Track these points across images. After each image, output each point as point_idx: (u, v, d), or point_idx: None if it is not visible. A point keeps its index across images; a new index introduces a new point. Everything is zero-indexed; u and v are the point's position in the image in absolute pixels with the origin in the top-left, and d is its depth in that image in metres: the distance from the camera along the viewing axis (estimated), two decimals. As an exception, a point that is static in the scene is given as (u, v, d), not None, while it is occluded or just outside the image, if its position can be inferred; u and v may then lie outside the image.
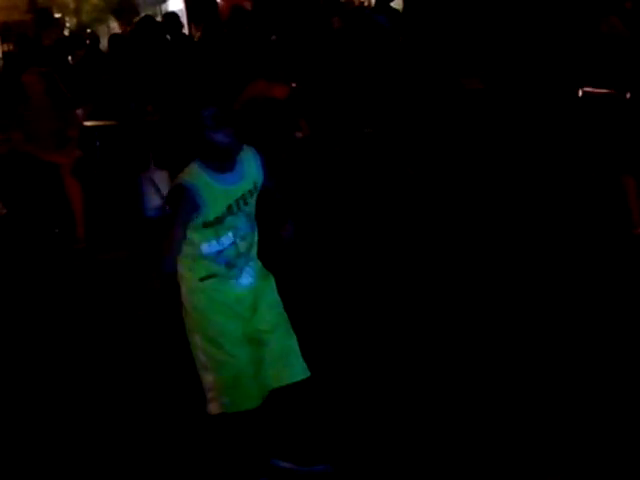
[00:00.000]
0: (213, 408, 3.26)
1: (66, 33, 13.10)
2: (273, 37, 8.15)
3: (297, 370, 3.33)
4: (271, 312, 3.34)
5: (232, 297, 3.24)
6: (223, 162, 3.16)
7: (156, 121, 7.66)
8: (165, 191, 7.47)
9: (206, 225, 3.13)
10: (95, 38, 11.46)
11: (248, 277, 3.26)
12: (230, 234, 3.18)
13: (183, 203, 3.09)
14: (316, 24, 8.10)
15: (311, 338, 3.68)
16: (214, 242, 3.17)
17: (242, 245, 3.23)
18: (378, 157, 7.62)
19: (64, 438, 3.88)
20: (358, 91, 7.68)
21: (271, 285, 3.39)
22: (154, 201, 7.50)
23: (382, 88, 7.73)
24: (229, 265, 3.20)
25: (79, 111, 7.72)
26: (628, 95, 6.05)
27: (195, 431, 3.77)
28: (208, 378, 3.24)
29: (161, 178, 7.51)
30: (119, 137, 7.67)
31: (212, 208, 3.12)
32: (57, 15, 13.93)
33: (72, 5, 16.60)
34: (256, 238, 3.31)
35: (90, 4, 16.55)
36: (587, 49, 6.51)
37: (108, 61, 8.99)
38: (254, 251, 3.32)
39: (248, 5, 9.26)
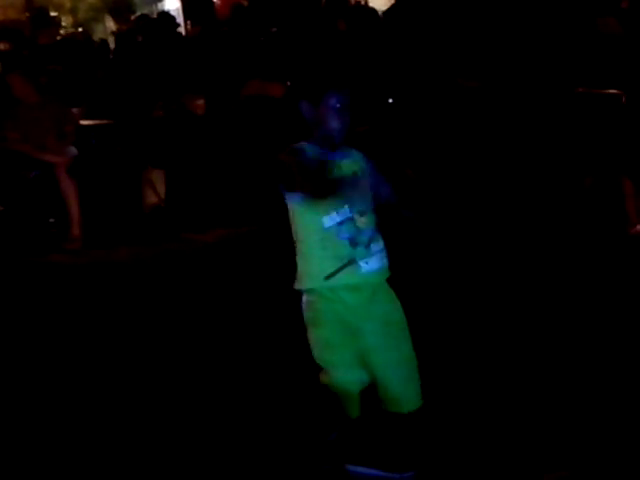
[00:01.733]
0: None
1: (62, 32, 13.07)
2: (273, 29, 8.14)
3: (409, 400, 3.28)
4: (392, 328, 3.26)
5: (354, 300, 3.16)
6: (329, 140, 3.18)
7: (160, 117, 7.65)
8: (162, 190, 7.54)
9: (324, 192, 3.10)
10: (88, 37, 11.45)
11: (376, 259, 3.21)
12: (346, 207, 3.14)
13: (300, 156, 3.08)
14: (318, 25, 8.09)
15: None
16: (334, 213, 3.12)
17: (361, 221, 3.17)
18: (376, 158, 7.62)
19: (64, 438, 3.87)
20: (355, 90, 7.67)
21: (389, 291, 3.34)
22: (151, 200, 7.52)
23: (380, 87, 7.73)
24: (353, 242, 3.14)
25: (75, 110, 7.72)
26: (626, 96, 6.07)
27: (195, 432, 3.77)
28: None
29: (158, 177, 7.53)
30: (116, 136, 7.68)
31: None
32: (53, 14, 13.90)
33: (68, 4, 16.56)
34: (375, 220, 3.24)
35: (86, 3, 16.52)
36: (584, 49, 6.52)
37: (105, 60, 9.01)
38: (378, 231, 3.25)
39: (246, 4, 9.27)
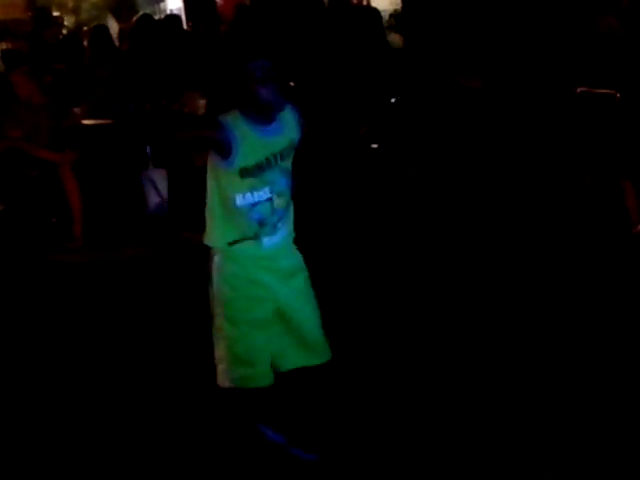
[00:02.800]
0: (221, 381, 3.28)
1: (64, 32, 13.03)
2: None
3: (319, 352, 3.35)
4: (297, 280, 3.34)
5: (260, 264, 3.20)
6: (263, 116, 3.15)
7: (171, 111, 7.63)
8: (164, 190, 7.54)
9: (243, 173, 3.10)
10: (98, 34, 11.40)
11: (279, 234, 3.24)
12: (267, 189, 3.16)
13: (218, 136, 3.07)
14: (319, 25, 8.09)
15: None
16: (249, 194, 3.13)
17: (278, 202, 3.20)
18: (376, 158, 7.63)
19: (64, 438, 3.87)
20: (356, 90, 7.68)
21: (298, 255, 3.39)
22: (154, 199, 7.52)
23: (380, 87, 7.73)
24: (262, 222, 3.18)
25: (77, 109, 7.72)
26: (627, 95, 6.06)
27: (195, 431, 3.77)
28: (220, 350, 3.27)
29: (160, 177, 7.53)
30: (117, 136, 7.67)
31: (249, 155, 3.10)
32: (56, 14, 13.87)
33: (71, 3, 16.53)
34: (290, 198, 3.27)
35: (89, 2, 16.48)
36: (584, 48, 6.51)
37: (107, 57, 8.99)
38: (290, 211, 3.29)
39: (248, 3, 9.25)
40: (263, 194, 3.16)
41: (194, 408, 3.99)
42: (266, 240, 3.20)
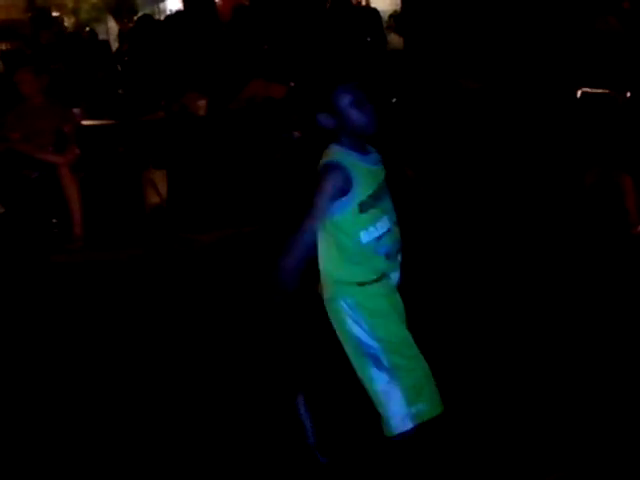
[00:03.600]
0: (403, 426, 3.06)
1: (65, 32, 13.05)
2: (265, 47, 8.14)
3: None
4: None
5: (393, 299, 3.06)
6: (361, 143, 3.01)
7: (156, 120, 7.66)
8: (163, 191, 7.55)
9: (362, 208, 2.92)
10: (94, 36, 11.44)
11: (399, 271, 3.08)
12: (386, 218, 3.00)
13: (333, 181, 2.89)
14: (320, 24, 8.10)
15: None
16: (372, 228, 2.95)
17: (396, 232, 3.05)
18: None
19: (64, 438, 3.87)
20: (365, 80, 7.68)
21: None
22: (153, 200, 7.53)
23: (380, 87, 7.73)
24: (388, 256, 3.00)
25: (77, 110, 7.72)
26: (628, 95, 6.07)
27: (194, 432, 3.78)
28: (395, 396, 3.05)
29: (159, 177, 7.54)
30: (117, 136, 7.68)
31: (364, 186, 2.93)
32: (55, 14, 13.88)
33: (70, 4, 16.54)
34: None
35: (88, 3, 16.48)
36: (585, 49, 6.52)
37: (106, 60, 9.02)
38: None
39: (247, 4, 9.27)
40: (384, 224, 2.99)
41: (193, 409, 3.99)
42: (393, 276, 3.06)
